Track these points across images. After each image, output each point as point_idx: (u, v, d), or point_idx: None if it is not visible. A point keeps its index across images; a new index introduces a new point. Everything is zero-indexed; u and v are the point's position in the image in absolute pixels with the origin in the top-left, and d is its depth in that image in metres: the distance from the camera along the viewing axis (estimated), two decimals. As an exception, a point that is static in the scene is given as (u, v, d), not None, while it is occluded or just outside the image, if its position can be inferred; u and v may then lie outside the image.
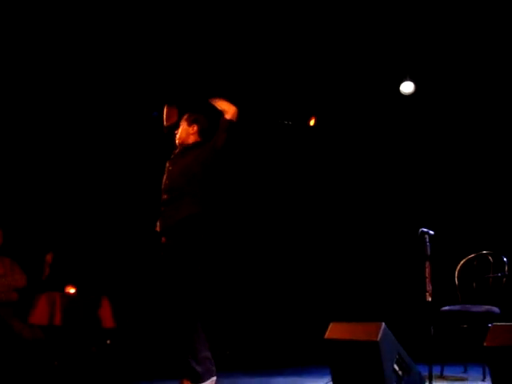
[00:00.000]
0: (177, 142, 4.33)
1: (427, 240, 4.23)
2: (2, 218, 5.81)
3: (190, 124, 4.32)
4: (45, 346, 5.37)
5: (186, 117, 4.35)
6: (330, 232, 7.66)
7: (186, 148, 4.28)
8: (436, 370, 4.48)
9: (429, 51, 6.67)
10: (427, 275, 4.15)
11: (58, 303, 5.41)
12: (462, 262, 5.36)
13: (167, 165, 4.28)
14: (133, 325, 6.46)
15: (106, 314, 5.81)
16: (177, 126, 4.37)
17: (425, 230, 4.26)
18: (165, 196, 4.16)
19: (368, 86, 7.16)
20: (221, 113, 4.25)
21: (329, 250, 7.60)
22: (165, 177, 4.23)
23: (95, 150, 6.98)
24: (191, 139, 4.30)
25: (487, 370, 3.76)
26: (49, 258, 5.70)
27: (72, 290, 5.72)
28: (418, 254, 4.38)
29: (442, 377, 4.78)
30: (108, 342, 5.88)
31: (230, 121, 4.21)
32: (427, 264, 4.18)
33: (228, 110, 4.24)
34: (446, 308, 4.95)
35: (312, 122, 7.11)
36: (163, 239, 4.12)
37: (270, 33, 6.51)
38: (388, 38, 6.62)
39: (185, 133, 4.30)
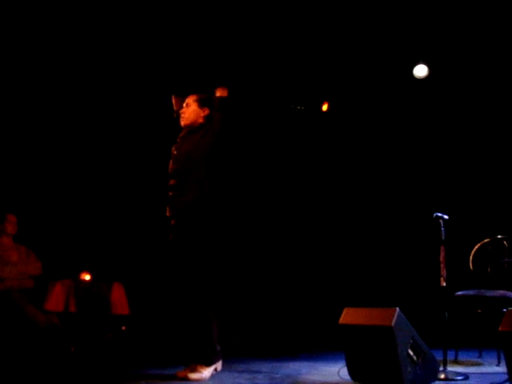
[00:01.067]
0: (183, 123, 4.24)
1: (442, 224, 4.20)
2: (17, 207, 5.85)
3: (201, 106, 4.22)
4: (60, 332, 5.42)
5: (195, 97, 4.24)
6: (345, 217, 7.64)
7: (191, 131, 4.22)
8: (450, 355, 4.47)
9: (442, 34, 6.60)
10: (442, 260, 4.13)
11: (73, 290, 5.45)
12: (476, 247, 5.33)
13: (172, 149, 4.24)
14: (147, 311, 6.50)
15: (121, 301, 5.85)
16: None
17: (439, 214, 4.23)
18: (171, 181, 4.15)
19: (381, 70, 7.11)
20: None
21: (343, 236, 7.59)
22: (171, 162, 4.21)
23: (107, 137, 7.00)
24: (199, 122, 4.22)
25: (502, 354, 3.74)
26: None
27: (87, 277, 5.76)
28: (432, 239, 4.36)
29: (456, 361, 4.77)
30: (123, 328, 5.92)
31: (220, 98, 4.19)
32: (442, 249, 4.16)
33: (219, 89, 4.23)
34: (461, 293, 4.93)
35: (325, 107, 7.07)
36: (172, 222, 4.12)
37: (283, 18, 6.47)
38: (401, 22, 6.56)
39: (194, 114, 4.21)
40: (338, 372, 4.07)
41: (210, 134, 4.16)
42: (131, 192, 7.07)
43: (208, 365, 3.95)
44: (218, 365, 4.07)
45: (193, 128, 4.22)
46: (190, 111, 4.22)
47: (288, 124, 7.39)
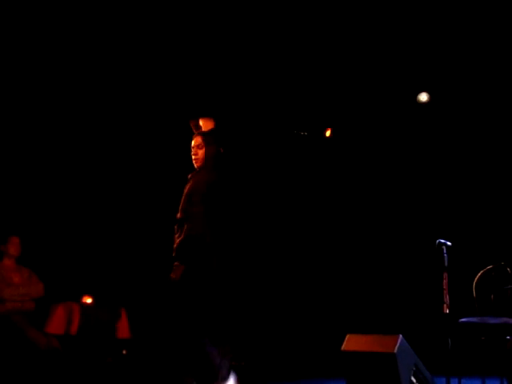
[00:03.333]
0: (197, 165, 4.26)
1: (445, 251, 4.21)
2: (20, 228, 5.86)
3: (207, 145, 4.25)
4: (61, 356, 5.39)
5: (198, 142, 4.25)
6: (347, 243, 7.63)
7: (197, 172, 4.26)
8: (454, 383, 4.44)
9: (443, 62, 6.67)
10: (445, 287, 4.12)
11: (74, 313, 5.44)
12: (479, 274, 5.31)
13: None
14: (148, 335, 6.46)
15: (123, 325, 5.83)
16: None
17: (442, 241, 4.23)
18: (177, 222, 4.19)
19: (383, 95, 7.16)
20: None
21: (346, 262, 7.57)
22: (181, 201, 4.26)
23: (113, 159, 7.02)
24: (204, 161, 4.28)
25: (505, 382, 3.72)
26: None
27: (89, 300, 5.74)
28: (435, 266, 4.36)
29: (459, 389, 4.73)
30: (124, 352, 5.89)
31: (203, 133, 4.24)
32: (445, 275, 4.15)
33: (202, 123, 4.28)
34: (464, 320, 4.90)
35: (328, 133, 7.11)
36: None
37: (286, 44, 6.54)
38: (403, 49, 6.63)
39: (204, 155, 4.24)
40: (340, 399, 4.04)
41: (207, 172, 4.20)
42: (135, 216, 7.08)
43: None
44: None
45: (199, 167, 4.26)
46: (202, 153, 4.24)
47: (291, 150, 7.42)
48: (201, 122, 4.33)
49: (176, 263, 4.08)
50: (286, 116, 7.04)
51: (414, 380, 3.58)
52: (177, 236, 4.13)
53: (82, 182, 6.84)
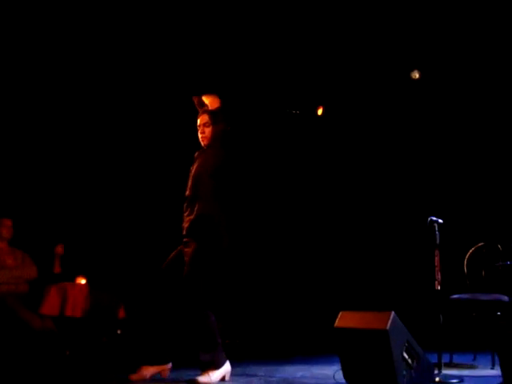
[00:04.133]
0: (202, 142, 4.26)
1: (436, 229, 4.23)
2: (12, 210, 5.85)
3: (215, 123, 4.23)
4: (56, 337, 5.41)
5: (205, 120, 4.23)
6: (340, 221, 7.66)
7: (203, 150, 4.26)
8: (445, 358, 4.49)
9: (437, 37, 6.64)
10: (436, 264, 4.15)
11: (68, 294, 5.44)
12: (471, 251, 5.36)
13: (190, 169, 4.29)
14: (143, 315, 6.49)
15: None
16: None
17: (434, 218, 4.26)
18: (185, 201, 4.20)
19: (375, 73, 7.14)
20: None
21: (338, 240, 7.60)
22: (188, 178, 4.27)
23: (107, 140, 6.99)
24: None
25: (496, 357, 3.77)
26: (59, 249, 5.72)
27: (83, 281, 5.75)
28: (427, 243, 4.39)
29: (451, 365, 4.79)
30: (119, 331, 5.92)
31: (212, 111, 4.22)
32: (436, 253, 4.18)
33: (206, 101, 4.26)
34: (455, 296, 4.96)
35: (320, 112, 7.09)
36: (184, 240, 4.16)
37: (278, 22, 6.49)
38: (395, 24, 6.60)
39: (211, 133, 4.23)
40: (334, 375, 4.08)
41: (215, 151, 4.19)
42: (129, 196, 7.07)
43: (216, 368, 3.98)
44: (227, 373, 4.08)
45: (206, 145, 4.26)
46: (210, 131, 4.23)
47: (283, 128, 7.41)
48: (205, 100, 4.30)
49: (186, 239, 4.11)
50: (277, 94, 7.01)
51: (407, 356, 3.61)
52: (186, 214, 4.15)
53: (74, 164, 6.82)
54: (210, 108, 4.26)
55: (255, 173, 7.59)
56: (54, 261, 5.73)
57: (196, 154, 4.32)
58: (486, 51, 6.64)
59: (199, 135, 4.26)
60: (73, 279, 5.75)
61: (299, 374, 4.50)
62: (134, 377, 4.00)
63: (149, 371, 4.04)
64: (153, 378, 4.05)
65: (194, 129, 4.35)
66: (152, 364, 4.07)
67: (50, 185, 6.66)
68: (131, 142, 7.05)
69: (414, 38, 6.68)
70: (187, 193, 4.20)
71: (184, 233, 4.16)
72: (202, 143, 4.27)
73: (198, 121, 4.29)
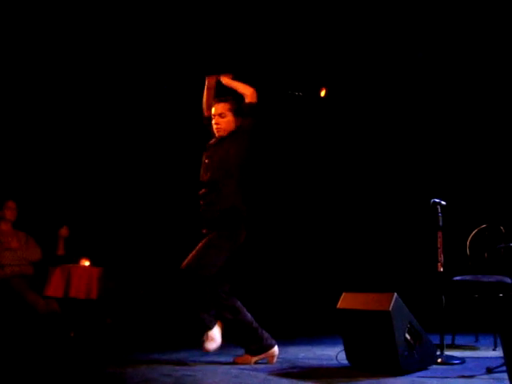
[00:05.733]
0: (218, 134, 4.18)
1: (439, 210, 4.23)
2: (16, 192, 5.86)
3: (236, 115, 4.17)
4: (60, 318, 5.44)
5: (230, 106, 4.16)
6: (343, 203, 7.67)
7: (222, 139, 4.18)
8: (447, 340, 4.52)
9: (442, 18, 6.58)
10: (439, 245, 4.16)
11: (72, 276, 5.47)
12: (473, 233, 5.37)
13: (203, 157, 4.20)
14: (146, 297, 6.53)
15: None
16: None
17: (437, 200, 4.26)
18: (203, 190, 4.14)
19: (379, 54, 7.10)
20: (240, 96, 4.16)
21: (342, 221, 7.62)
22: (202, 170, 4.18)
23: (107, 129, 6.98)
24: (230, 130, 4.18)
25: (498, 339, 3.79)
26: (64, 231, 5.74)
27: (86, 263, 5.78)
28: (430, 225, 4.39)
29: (453, 346, 4.82)
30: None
31: (251, 104, 4.14)
32: (439, 234, 4.19)
33: (246, 92, 4.15)
34: (458, 278, 4.97)
35: (323, 93, 7.06)
36: (204, 231, 4.14)
37: (281, 4, 6.45)
38: (398, 6, 6.55)
39: (230, 125, 4.16)
40: (336, 356, 4.11)
41: (242, 143, 4.13)
42: (134, 178, 7.08)
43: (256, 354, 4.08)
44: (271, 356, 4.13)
45: (223, 136, 4.18)
46: (225, 122, 4.16)
47: (286, 110, 7.39)
48: (244, 90, 4.18)
49: (207, 232, 4.11)
50: (280, 76, 6.98)
51: (409, 337, 3.64)
52: (206, 203, 4.10)
53: (77, 147, 6.82)
54: (247, 100, 4.15)
55: (257, 156, 7.58)
56: (58, 243, 5.74)
57: (212, 142, 4.22)
58: (490, 35, 6.59)
59: (213, 125, 4.18)
60: (77, 261, 5.78)
61: (302, 354, 4.53)
62: (239, 360, 4.10)
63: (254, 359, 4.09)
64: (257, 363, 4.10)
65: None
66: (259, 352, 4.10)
67: (54, 167, 6.67)
68: (136, 126, 7.05)
69: (420, 18, 6.62)
70: (205, 179, 4.12)
71: (202, 222, 4.13)
72: (217, 134, 4.18)
73: (214, 110, 4.19)
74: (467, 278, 4.95)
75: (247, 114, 4.14)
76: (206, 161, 4.18)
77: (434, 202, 4.25)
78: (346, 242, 7.53)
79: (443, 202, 4.27)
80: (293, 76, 6.96)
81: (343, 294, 3.95)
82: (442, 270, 4.14)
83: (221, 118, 4.16)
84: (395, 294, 3.64)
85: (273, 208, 7.63)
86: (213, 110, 4.21)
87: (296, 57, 7.08)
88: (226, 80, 4.27)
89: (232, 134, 4.16)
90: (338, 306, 3.90)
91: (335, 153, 7.71)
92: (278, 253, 7.53)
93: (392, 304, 3.58)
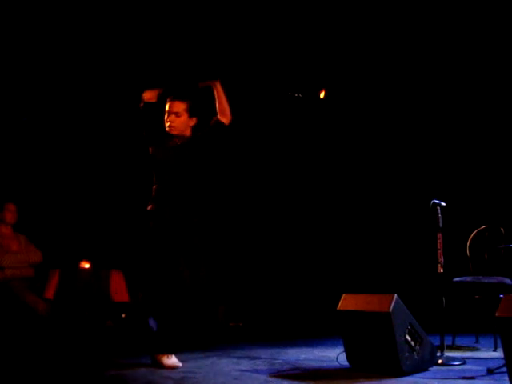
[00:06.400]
0: (172, 132, 4.19)
1: (439, 211, 4.24)
2: (16, 196, 5.86)
3: (190, 116, 4.19)
4: (60, 320, 5.45)
5: (185, 106, 4.17)
6: (343, 204, 7.67)
7: (186, 143, 4.20)
8: (448, 341, 4.52)
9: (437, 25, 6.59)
10: (439, 246, 4.16)
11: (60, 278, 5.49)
12: (473, 233, 5.37)
13: (159, 152, 4.20)
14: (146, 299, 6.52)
15: (121, 288, 5.88)
16: (157, 108, 4.22)
17: (436, 201, 4.26)
18: (170, 186, 4.15)
19: (377, 56, 7.10)
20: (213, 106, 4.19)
21: (342, 223, 7.62)
22: (164, 166, 4.18)
23: (107, 127, 6.98)
24: (188, 132, 4.21)
25: (498, 339, 3.79)
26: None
27: (87, 265, 5.78)
28: (429, 226, 4.39)
29: (453, 347, 4.82)
30: (123, 315, 5.96)
31: (223, 124, 4.18)
32: (439, 235, 4.19)
33: (227, 112, 4.19)
34: (458, 279, 4.97)
35: (322, 95, 7.07)
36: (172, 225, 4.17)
37: (280, 5, 6.45)
38: (397, 9, 6.55)
39: (184, 125, 4.18)
40: (337, 357, 4.11)
41: (203, 150, 4.20)
42: (130, 181, 7.08)
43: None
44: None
45: (185, 139, 4.21)
46: (180, 121, 4.17)
47: (286, 112, 7.40)
48: (218, 87, 4.21)
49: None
50: (279, 78, 6.99)
51: (409, 338, 3.64)
52: (175, 195, 4.12)
53: (76, 149, 6.82)
54: (222, 119, 4.18)
55: (257, 157, 7.59)
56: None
57: (171, 143, 4.22)
58: (491, 35, 6.59)
59: (166, 122, 4.17)
60: (77, 264, 5.79)
61: (302, 356, 4.53)
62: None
63: None
64: None
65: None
66: None
67: (53, 169, 6.67)
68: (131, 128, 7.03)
69: (417, 22, 6.62)
70: (172, 181, 4.14)
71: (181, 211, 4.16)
72: (170, 131, 4.19)
73: (169, 107, 4.18)
74: (467, 279, 4.95)
75: (215, 131, 4.19)
76: (168, 159, 4.21)
77: (434, 203, 4.25)
78: (346, 243, 7.54)
79: (443, 203, 4.27)
80: (292, 78, 6.97)
81: (343, 295, 3.95)
82: (442, 271, 4.14)
83: (176, 117, 4.17)
84: (395, 295, 3.65)
85: (273, 210, 7.63)
86: (167, 107, 4.20)
87: (295, 58, 7.09)
88: (219, 87, 4.23)
89: (194, 139, 4.23)
90: (339, 307, 3.90)
91: (335, 154, 7.71)
92: (278, 254, 7.54)
93: (392, 305, 3.59)
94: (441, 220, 4.23)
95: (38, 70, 6.45)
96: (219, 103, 4.19)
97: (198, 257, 4.15)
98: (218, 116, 4.19)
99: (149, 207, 4.16)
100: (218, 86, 4.21)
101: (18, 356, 4.50)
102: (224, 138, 4.25)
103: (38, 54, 6.34)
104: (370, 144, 7.62)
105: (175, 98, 4.21)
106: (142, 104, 4.24)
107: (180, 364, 3.96)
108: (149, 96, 4.22)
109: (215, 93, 4.20)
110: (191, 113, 4.20)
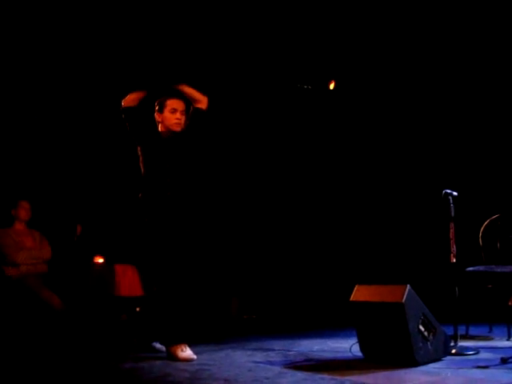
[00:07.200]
0: (179, 129, 4.30)
1: (451, 201, 4.23)
2: (29, 193, 5.90)
3: (187, 118, 4.34)
4: (75, 315, 5.49)
5: (183, 107, 4.31)
6: (355, 195, 7.67)
7: (179, 138, 4.31)
8: (461, 330, 4.52)
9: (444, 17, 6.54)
10: (451, 236, 4.16)
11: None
12: (485, 223, 5.35)
13: (153, 148, 4.27)
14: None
15: (135, 282, 5.92)
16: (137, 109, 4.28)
17: (448, 191, 4.25)
18: (169, 181, 4.25)
19: (387, 45, 7.07)
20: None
21: (354, 213, 7.62)
22: (165, 162, 4.25)
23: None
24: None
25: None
26: (78, 230, 5.79)
27: (100, 260, 5.82)
28: (441, 216, 4.39)
29: (467, 336, 4.82)
30: (137, 309, 5.99)
31: (201, 109, 4.30)
32: (451, 225, 4.19)
33: (202, 98, 4.31)
34: (471, 269, 4.96)
35: (332, 86, 7.06)
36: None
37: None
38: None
39: (185, 122, 4.33)
40: (350, 348, 4.13)
41: (192, 142, 4.34)
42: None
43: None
44: None
45: (178, 134, 4.32)
46: (184, 119, 4.33)
47: (295, 104, 7.39)
48: (199, 97, 4.34)
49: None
50: (288, 69, 6.98)
51: (422, 328, 3.64)
52: (172, 191, 4.21)
53: (89, 145, 6.84)
54: (199, 105, 4.30)
55: (267, 149, 7.60)
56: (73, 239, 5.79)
57: (168, 137, 4.31)
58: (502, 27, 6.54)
59: (174, 120, 4.28)
60: (91, 258, 5.83)
61: (316, 347, 4.55)
62: None
63: None
64: None
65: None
66: None
67: (66, 166, 6.70)
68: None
69: (426, 12, 6.58)
70: (176, 174, 4.25)
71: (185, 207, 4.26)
72: (176, 128, 4.29)
73: (176, 104, 4.30)
74: (480, 268, 4.94)
75: (196, 120, 4.30)
76: (169, 155, 4.30)
77: (446, 192, 4.24)
78: (358, 234, 7.54)
79: (455, 193, 4.27)
80: (301, 69, 6.95)
81: (356, 286, 3.96)
82: (454, 260, 4.14)
83: (182, 115, 4.31)
84: (408, 285, 3.65)
85: (284, 201, 7.64)
86: (173, 104, 4.29)
87: (304, 50, 7.07)
88: (185, 87, 4.33)
89: (185, 133, 4.35)
90: (352, 298, 3.91)
91: (346, 145, 7.70)
92: (290, 246, 7.55)
93: (405, 296, 3.59)
94: (453, 210, 4.22)
95: (53, 69, 6.47)
96: (190, 97, 4.32)
97: (203, 248, 4.23)
98: (194, 105, 4.32)
99: (143, 202, 4.31)
100: (184, 86, 4.31)
101: (35, 350, 4.55)
102: (206, 123, 4.35)
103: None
104: (381, 134, 7.59)
105: (177, 96, 4.33)
106: (121, 109, 4.32)
107: (195, 356, 3.99)
108: (129, 100, 4.29)
109: (184, 92, 4.31)
110: (185, 114, 4.35)
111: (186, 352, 4.00)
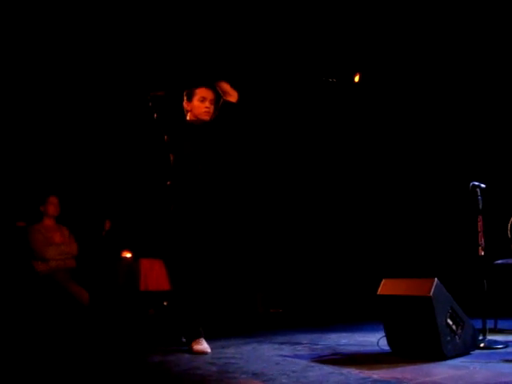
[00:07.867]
0: (208, 118, 4.32)
1: (479, 193, 4.19)
2: (58, 188, 5.98)
3: (216, 109, 4.35)
4: (104, 310, 5.55)
5: (212, 97, 4.32)
6: (383, 188, 7.63)
7: (208, 127, 4.32)
8: (490, 324, 4.47)
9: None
10: (479, 229, 4.12)
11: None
12: (514, 215, 5.28)
13: (187, 143, 4.29)
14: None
15: (162, 277, 5.97)
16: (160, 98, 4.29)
17: (476, 183, 4.21)
18: (199, 171, 4.27)
19: (414, 38, 7.00)
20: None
21: (382, 207, 7.58)
22: (196, 149, 4.28)
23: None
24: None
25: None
26: (106, 225, 5.85)
27: (128, 255, 5.88)
28: (470, 208, 4.35)
29: (495, 330, 4.77)
30: (165, 303, 6.05)
31: (233, 104, 4.29)
32: (479, 218, 4.14)
33: (233, 93, 4.31)
34: (500, 261, 4.91)
35: (357, 79, 7.02)
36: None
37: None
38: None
39: (213, 112, 4.35)
40: (377, 342, 4.11)
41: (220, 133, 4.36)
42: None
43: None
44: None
45: (205, 123, 4.34)
46: (213, 108, 4.35)
47: (320, 96, 7.37)
48: (229, 89, 4.33)
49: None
50: (314, 63, 6.96)
51: (451, 322, 3.62)
52: (202, 180, 4.24)
53: (117, 141, 6.90)
54: (230, 99, 4.30)
55: (292, 140, 7.60)
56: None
57: (196, 124, 4.32)
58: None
59: (204, 108, 4.30)
60: (119, 254, 5.89)
61: (343, 341, 4.55)
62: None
63: None
64: None
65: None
66: None
67: (95, 162, 6.77)
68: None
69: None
70: (206, 161, 4.28)
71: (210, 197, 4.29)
72: (205, 117, 4.31)
73: (205, 93, 4.32)
74: (509, 261, 4.88)
75: (224, 111, 4.30)
76: (196, 145, 4.33)
77: (474, 185, 4.20)
78: (385, 227, 7.50)
79: (483, 185, 4.22)
80: (326, 62, 6.93)
81: (383, 280, 3.94)
82: (483, 253, 4.10)
83: (211, 104, 4.34)
84: (436, 279, 3.62)
85: (312, 194, 7.64)
86: (203, 93, 4.32)
87: (330, 42, 7.04)
88: (223, 83, 4.35)
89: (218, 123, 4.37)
90: (379, 292, 3.89)
91: (372, 137, 7.66)
92: (318, 240, 7.54)
93: (433, 289, 3.56)
94: (481, 202, 4.18)
95: (80, 66, 6.54)
96: (223, 90, 4.32)
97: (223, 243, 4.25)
98: (224, 97, 4.32)
99: (173, 189, 4.31)
100: (223, 83, 4.33)
101: (64, 344, 4.61)
102: (236, 116, 4.34)
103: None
104: (408, 126, 7.54)
105: (206, 85, 4.35)
106: (149, 97, 4.32)
107: (209, 350, 4.03)
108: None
109: (219, 87, 4.33)
110: (214, 103, 4.36)
111: (202, 345, 4.06)
